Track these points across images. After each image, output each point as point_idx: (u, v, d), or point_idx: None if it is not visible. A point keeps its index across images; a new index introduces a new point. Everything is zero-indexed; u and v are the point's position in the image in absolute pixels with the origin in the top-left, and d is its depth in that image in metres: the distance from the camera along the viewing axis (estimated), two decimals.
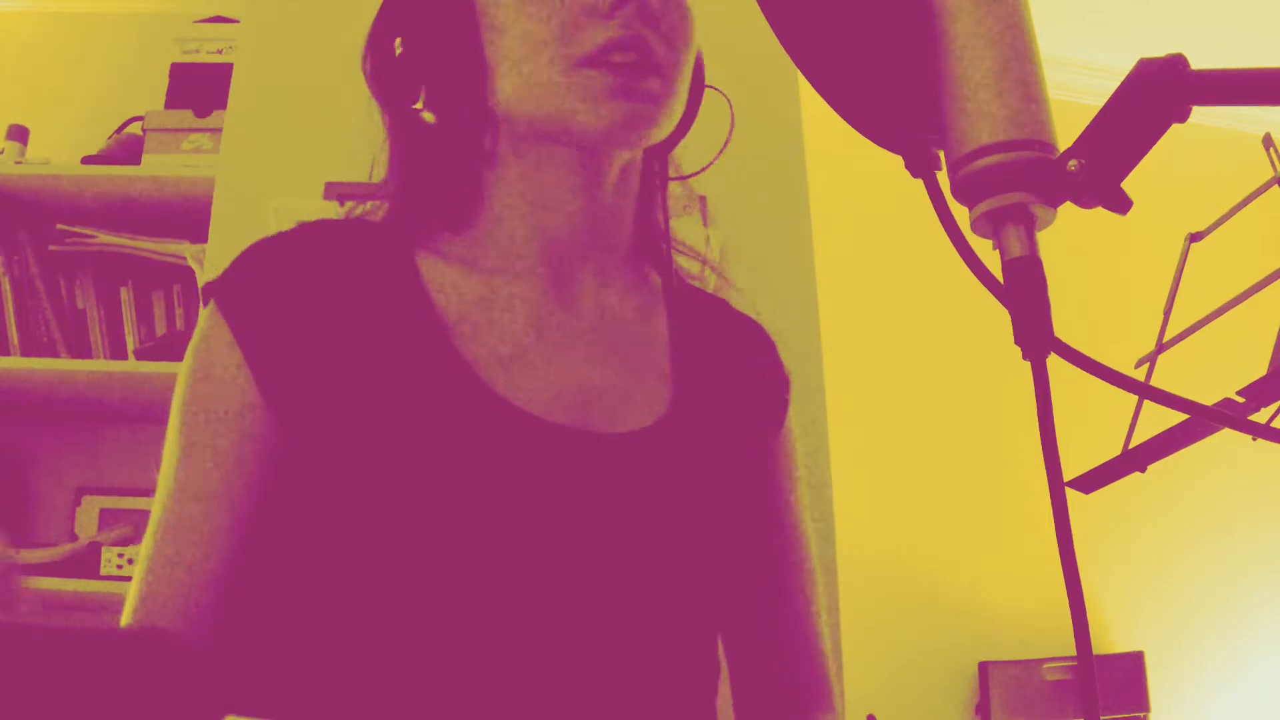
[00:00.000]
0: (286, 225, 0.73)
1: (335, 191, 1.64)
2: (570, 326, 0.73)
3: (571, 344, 0.73)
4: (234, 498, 0.68)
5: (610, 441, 0.70)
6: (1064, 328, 0.45)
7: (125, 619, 0.66)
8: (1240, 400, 0.84)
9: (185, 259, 1.98)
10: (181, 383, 0.71)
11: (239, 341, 0.69)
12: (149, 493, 0.70)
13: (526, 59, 0.67)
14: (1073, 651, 0.43)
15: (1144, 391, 0.46)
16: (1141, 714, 2.61)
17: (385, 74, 0.74)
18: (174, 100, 2.03)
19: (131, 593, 0.67)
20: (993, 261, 0.47)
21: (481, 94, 0.70)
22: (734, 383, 0.79)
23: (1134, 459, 0.94)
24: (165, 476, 0.70)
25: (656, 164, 0.79)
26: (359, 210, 0.79)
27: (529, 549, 0.65)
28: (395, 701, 0.63)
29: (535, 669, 0.64)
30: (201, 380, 0.70)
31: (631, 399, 0.73)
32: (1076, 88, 2.86)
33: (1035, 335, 0.45)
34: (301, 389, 0.68)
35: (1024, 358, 0.45)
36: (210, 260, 1.73)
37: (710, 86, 0.80)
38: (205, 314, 0.72)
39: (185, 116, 1.99)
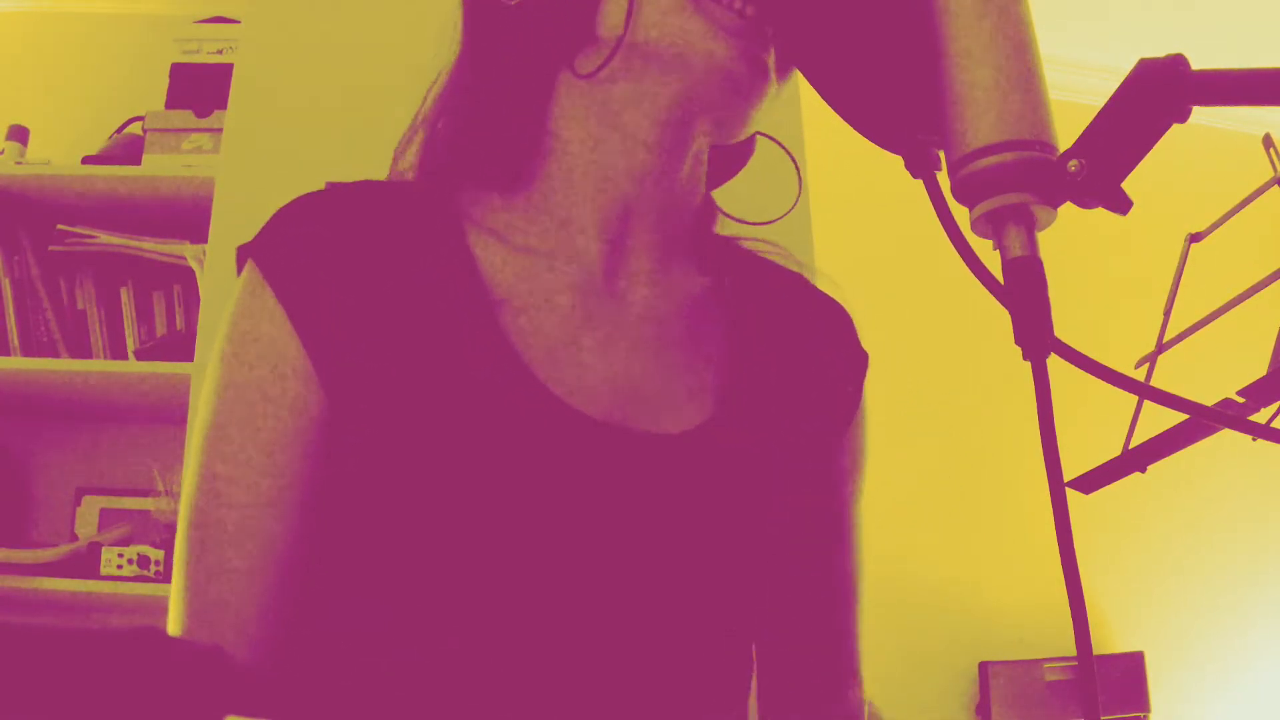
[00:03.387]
0: None
1: None
2: (618, 317, 0.70)
3: (618, 336, 0.70)
4: (289, 490, 0.63)
5: (651, 442, 0.67)
6: (1064, 328, 0.45)
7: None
8: (1240, 400, 0.84)
9: (185, 259, 1.98)
10: (217, 364, 0.66)
11: (287, 309, 0.64)
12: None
13: None
14: (1073, 651, 0.43)
15: (1144, 391, 0.46)
16: (1141, 714, 2.61)
17: None
18: (174, 100, 2.03)
19: (175, 613, 0.63)
20: (993, 262, 0.47)
21: (592, 11, 0.66)
22: (800, 373, 0.76)
23: (1134, 459, 0.94)
24: (204, 472, 0.64)
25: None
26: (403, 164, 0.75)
27: (562, 549, 0.63)
28: (426, 696, 0.62)
29: (565, 671, 0.63)
30: (244, 359, 0.64)
31: (676, 397, 0.70)
32: (1076, 88, 2.86)
33: (1035, 335, 0.45)
34: (351, 363, 0.64)
35: (1024, 358, 0.45)
36: (210, 260, 1.73)
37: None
38: (243, 281, 0.67)
39: (185, 116, 1.99)
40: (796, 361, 0.76)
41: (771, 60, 0.65)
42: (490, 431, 0.63)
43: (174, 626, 0.63)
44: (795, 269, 0.82)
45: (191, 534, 0.64)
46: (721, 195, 0.81)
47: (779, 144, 0.78)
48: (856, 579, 0.81)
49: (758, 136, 0.77)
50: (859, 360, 0.80)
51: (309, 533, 0.64)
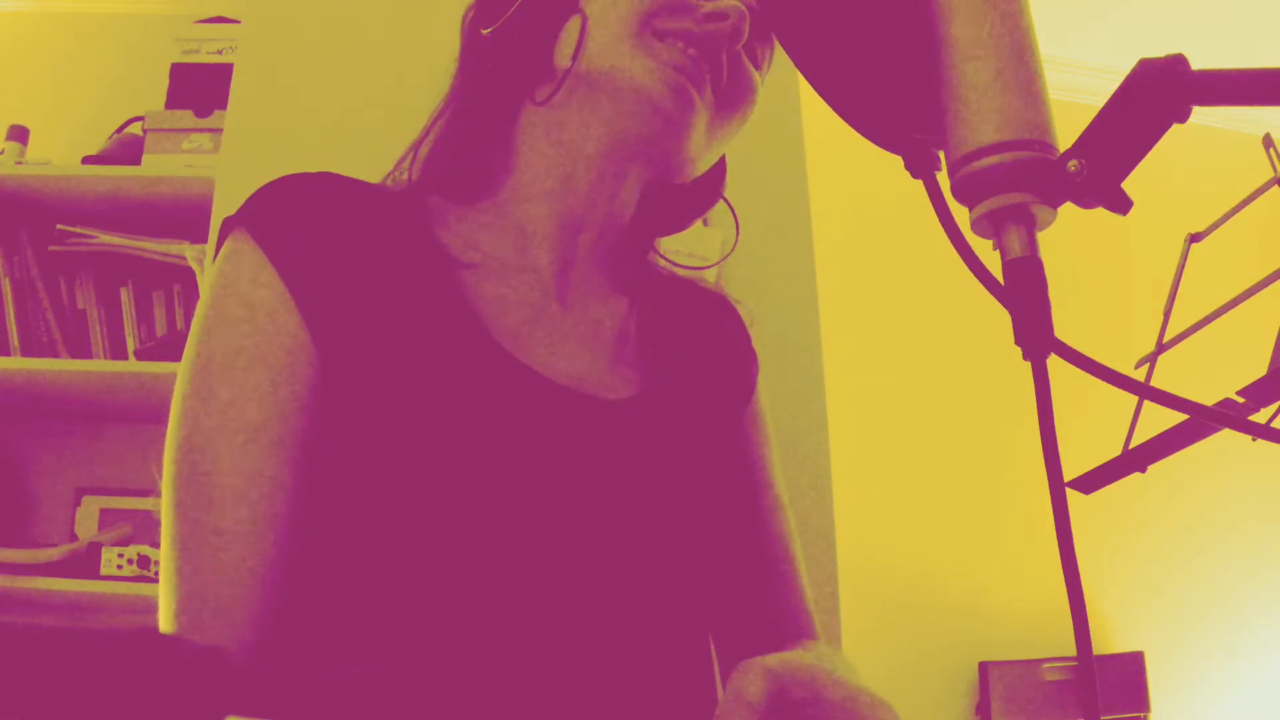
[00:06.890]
0: None
1: None
2: (563, 322, 0.76)
3: (563, 337, 0.75)
4: (285, 459, 0.63)
5: (607, 405, 0.72)
6: (1064, 328, 0.45)
7: (167, 622, 0.62)
8: (1240, 400, 0.84)
9: (185, 259, 1.98)
10: (200, 335, 0.66)
11: (280, 272, 0.66)
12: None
13: (610, 11, 0.71)
14: (1073, 651, 0.43)
15: (1144, 391, 0.46)
16: (1141, 714, 2.61)
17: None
18: (174, 100, 2.03)
19: (168, 590, 0.62)
20: (993, 262, 0.47)
21: (549, 45, 0.73)
22: (705, 359, 0.82)
23: (1134, 459, 0.94)
24: (194, 442, 0.64)
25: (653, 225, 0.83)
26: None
27: (545, 506, 0.66)
28: (409, 656, 0.62)
29: (564, 630, 0.65)
30: (237, 327, 0.65)
31: (612, 383, 0.75)
32: (1076, 88, 2.86)
33: (1035, 335, 0.45)
34: (341, 334, 0.66)
35: (1024, 358, 0.45)
36: (210, 260, 1.73)
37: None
38: (230, 251, 0.68)
39: (185, 116, 1.99)
40: (697, 349, 0.83)
41: (704, 98, 0.71)
42: (475, 402, 0.67)
43: (167, 604, 0.63)
44: (707, 287, 0.91)
45: (183, 502, 0.63)
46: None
47: (727, 203, 0.86)
48: (786, 538, 0.85)
49: (720, 193, 0.85)
50: (748, 345, 0.89)
51: (302, 501, 0.65)
